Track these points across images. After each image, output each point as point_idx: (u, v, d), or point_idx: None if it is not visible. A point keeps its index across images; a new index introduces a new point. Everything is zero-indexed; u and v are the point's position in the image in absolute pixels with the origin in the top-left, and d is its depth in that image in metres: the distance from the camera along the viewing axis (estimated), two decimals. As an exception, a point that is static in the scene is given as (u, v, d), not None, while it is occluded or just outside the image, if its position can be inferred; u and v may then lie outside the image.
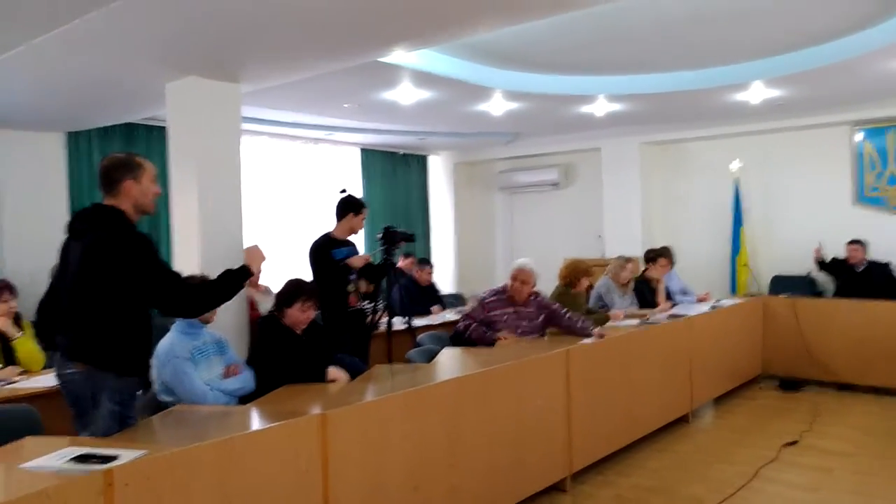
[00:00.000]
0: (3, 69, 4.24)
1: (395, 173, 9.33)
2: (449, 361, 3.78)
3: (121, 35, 3.70)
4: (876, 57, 5.20)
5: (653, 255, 6.25)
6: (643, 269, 6.36)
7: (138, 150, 6.69)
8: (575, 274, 5.15)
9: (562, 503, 3.79)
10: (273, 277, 6.62)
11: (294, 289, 3.62)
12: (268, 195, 7.69)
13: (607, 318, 5.19)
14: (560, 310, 4.65)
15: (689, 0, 4.47)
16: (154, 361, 3.15)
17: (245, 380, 3.31)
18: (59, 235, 2.78)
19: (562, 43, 5.32)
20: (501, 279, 9.87)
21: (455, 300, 7.53)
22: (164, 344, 3.06)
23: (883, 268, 6.67)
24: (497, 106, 6.71)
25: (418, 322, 5.41)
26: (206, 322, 3.32)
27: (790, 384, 6.26)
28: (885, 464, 4.35)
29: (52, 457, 2.22)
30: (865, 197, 7.31)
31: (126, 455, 2.19)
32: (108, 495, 1.98)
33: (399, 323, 4.65)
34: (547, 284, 6.62)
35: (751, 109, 6.93)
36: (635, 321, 5.20)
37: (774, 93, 6.35)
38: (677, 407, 5.16)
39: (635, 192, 8.56)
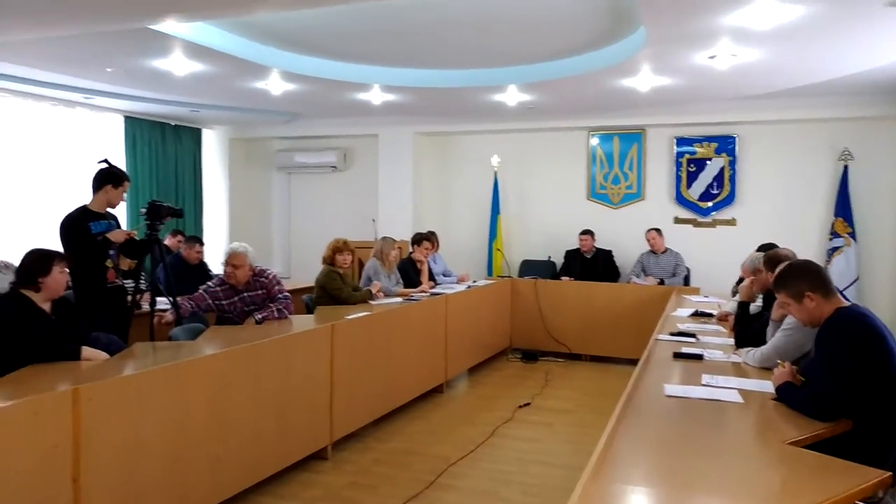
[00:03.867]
0: None
1: (165, 146, 8.85)
2: (215, 338, 3.83)
3: None
4: (605, 74, 6.11)
5: (418, 238, 6.75)
6: (410, 250, 6.84)
7: None
8: (330, 252, 5.40)
9: (323, 469, 4.07)
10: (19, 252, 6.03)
11: (43, 255, 3.43)
12: (9, 162, 6.92)
13: (370, 294, 5.54)
14: (276, 290, 4.52)
15: (461, 6, 4.90)
16: None
17: (-16, 360, 3.08)
18: None
19: (341, 30, 5.51)
20: (277, 260, 9.91)
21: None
22: None
23: (607, 254, 7.87)
24: (275, 85, 6.72)
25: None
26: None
27: (531, 355, 7.18)
28: (598, 418, 5.21)
29: None
30: (596, 193, 8.53)
31: None
32: None
33: (164, 303, 4.53)
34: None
35: (508, 110, 7.71)
36: (399, 299, 5.62)
37: (526, 97, 7.16)
38: (433, 378, 5.70)
39: (408, 179, 9.07)
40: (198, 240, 6.44)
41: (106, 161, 4.24)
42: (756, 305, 3.91)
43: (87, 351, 3.33)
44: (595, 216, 8.34)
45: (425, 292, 6.09)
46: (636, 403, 2.65)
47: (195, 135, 9.38)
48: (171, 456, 3.00)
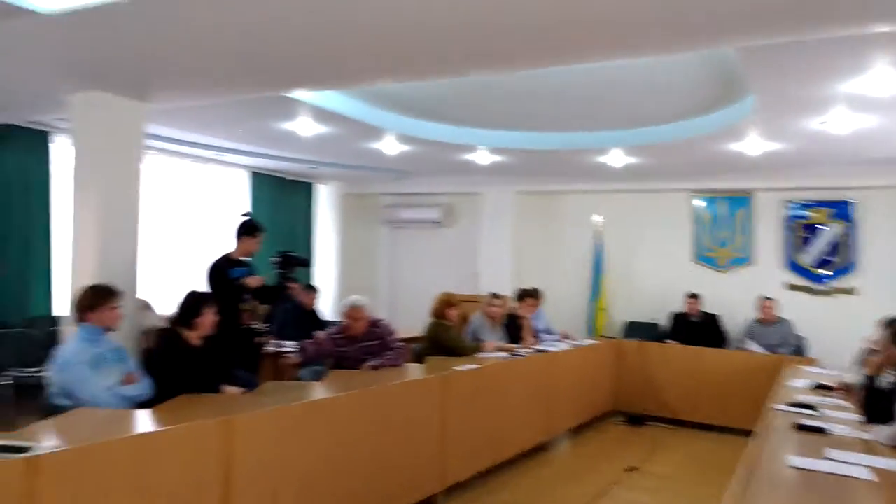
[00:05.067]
0: None
1: (282, 198, 9.48)
2: (338, 380, 4.06)
3: (30, 45, 3.73)
4: (712, 138, 6.14)
5: (523, 295, 6.85)
6: (514, 306, 6.93)
7: (16, 153, 6.42)
8: (440, 306, 5.59)
9: (434, 516, 4.16)
10: (159, 293, 6.60)
11: (199, 298, 3.83)
12: (155, 211, 7.61)
13: (479, 349, 5.67)
14: (390, 340, 4.81)
15: (564, 73, 5.10)
16: (53, 366, 3.21)
17: (143, 387, 3.43)
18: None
19: (452, 96, 5.87)
20: (383, 310, 10.22)
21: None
22: (66, 349, 3.13)
23: (713, 319, 7.68)
24: (390, 146, 7.14)
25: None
26: (110, 329, 3.42)
27: (636, 419, 7.02)
28: (702, 487, 5.06)
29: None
30: (701, 256, 8.39)
31: (38, 447, 2.32)
32: (29, 481, 2.12)
33: (289, 346, 4.85)
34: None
35: (612, 171, 7.80)
36: (505, 354, 5.71)
37: (631, 159, 7.24)
38: (537, 434, 5.69)
39: (509, 236, 9.26)
40: (314, 288, 6.82)
41: (248, 214, 4.68)
42: (889, 382, 3.74)
43: (226, 389, 3.64)
44: (700, 279, 8.18)
45: (529, 349, 6.15)
46: (758, 473, 2.61)
47: (308, 189, 9.99)
48: (305, 490, 3.19)
